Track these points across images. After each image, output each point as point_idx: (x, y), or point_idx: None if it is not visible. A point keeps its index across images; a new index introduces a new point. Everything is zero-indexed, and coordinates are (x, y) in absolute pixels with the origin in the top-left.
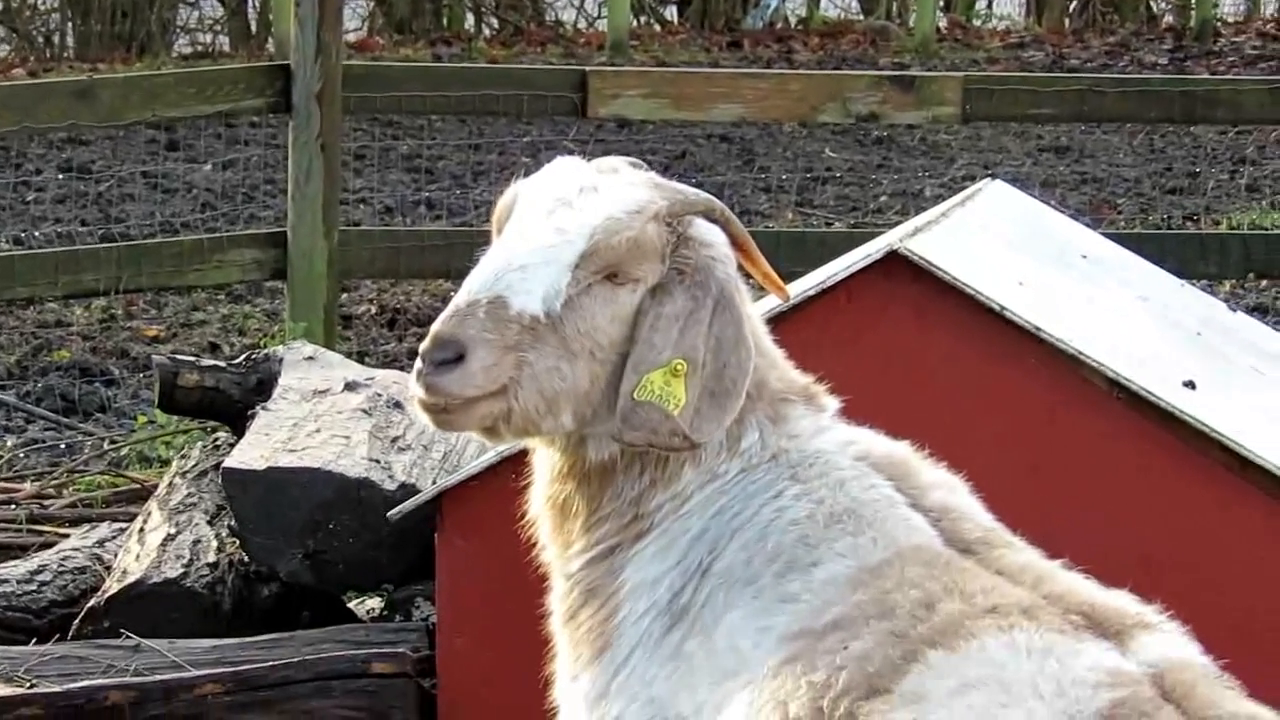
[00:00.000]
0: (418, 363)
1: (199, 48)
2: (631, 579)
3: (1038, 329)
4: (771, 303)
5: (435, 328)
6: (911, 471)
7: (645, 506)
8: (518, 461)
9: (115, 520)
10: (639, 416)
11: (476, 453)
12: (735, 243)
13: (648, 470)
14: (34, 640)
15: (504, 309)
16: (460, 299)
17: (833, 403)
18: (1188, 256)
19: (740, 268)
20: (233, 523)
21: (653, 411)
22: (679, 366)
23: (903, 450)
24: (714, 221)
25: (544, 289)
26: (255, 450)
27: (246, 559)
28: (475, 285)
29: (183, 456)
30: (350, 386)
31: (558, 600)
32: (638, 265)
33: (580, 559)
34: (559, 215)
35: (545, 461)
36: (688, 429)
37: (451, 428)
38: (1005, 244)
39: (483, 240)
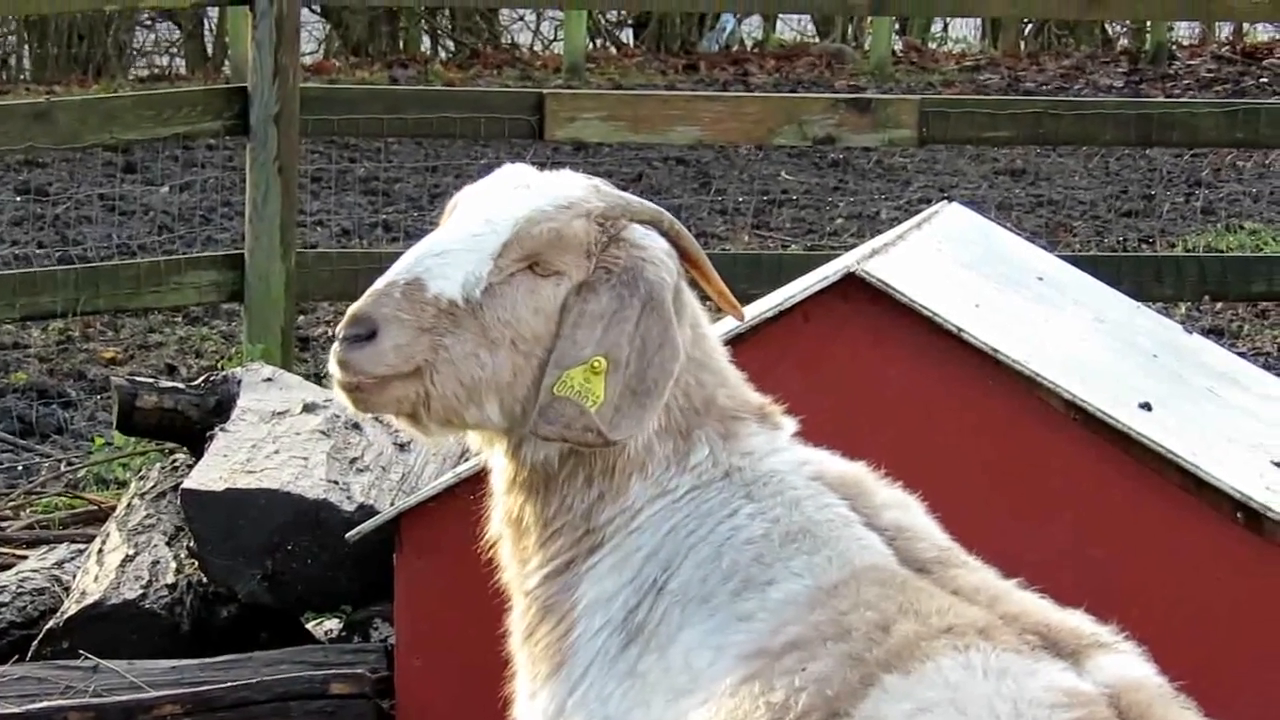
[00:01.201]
0: (335, 342)
1: (155, 70)
2: (587, 595)
3: (995, 350)
4: (729, 324)
5: (351, 307)
6: (866, 491)
7: (596, 520)
8: (475, 483)
9: (73, 542)
10: (554, 410)
11: (434, 474)
12: (689, 259)
13: (595, 482)
14: None
15: (421, 291)
16: (380, 281)
17: (789, 423)
18: (1143, 279)
19: (696, 285)
20: (191, 544)
21: (568, 406)
22: (598, 364)
23: (857, 470)
24: (663, 234)
25: (463, 275)
26: (214, 471)
27: (205, 580)
28: (396, 268)
29: (141, 478)
30: (308, 408)
31: (517, 618)
32: (559, 257)
33: (537, 575)
34: (489, 208)
35: (498, 474)
36: (604, 426)
37: (368, 408)
38: (962, 266)
39: None
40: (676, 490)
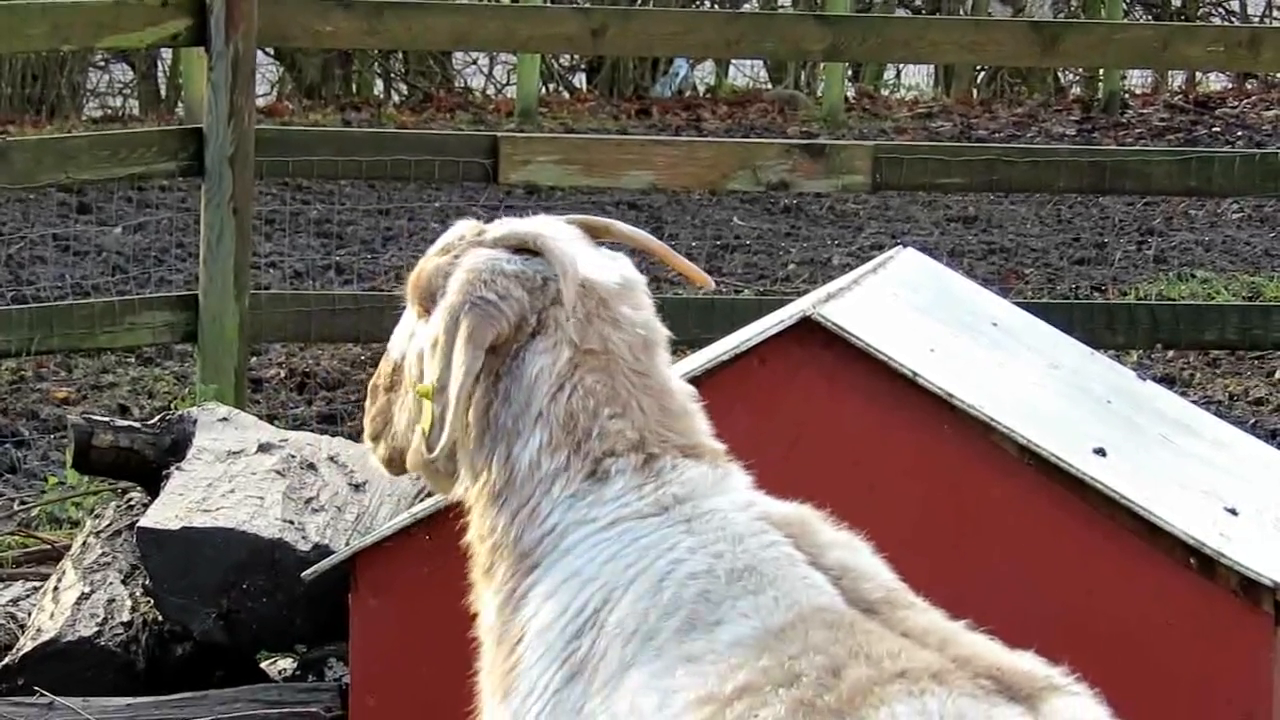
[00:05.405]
0: None
1: (109, 111)
2: (529, 624)
3: (949, 395)
4: (687, 365)
5: None
6: (810, 530)
7: (526, 544)
8: (431, 523)
9: (26, 580)
10: (414, 439)
11: (390, 514)
12: (641, 249)
13: (503, 505)
14: None
15: (388, 356)
16: None
17: (735, 467)
18: (1095, 327)
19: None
20: (147, 582)
21: (417, 433)
22: (423, 388)
23: (802, 510)
24: (539, 251)
25: (399, 335)
26: (170, 510)
27: (160, 618)
28: None
29: (96, 516)
30: (264, 448)
31: (482, 653)
32: (425, 298)
33: (491, 606)
34: None
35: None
36: (430, 443)
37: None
38: (917, 311)
39: (393, 304)
40: (597, 520)
